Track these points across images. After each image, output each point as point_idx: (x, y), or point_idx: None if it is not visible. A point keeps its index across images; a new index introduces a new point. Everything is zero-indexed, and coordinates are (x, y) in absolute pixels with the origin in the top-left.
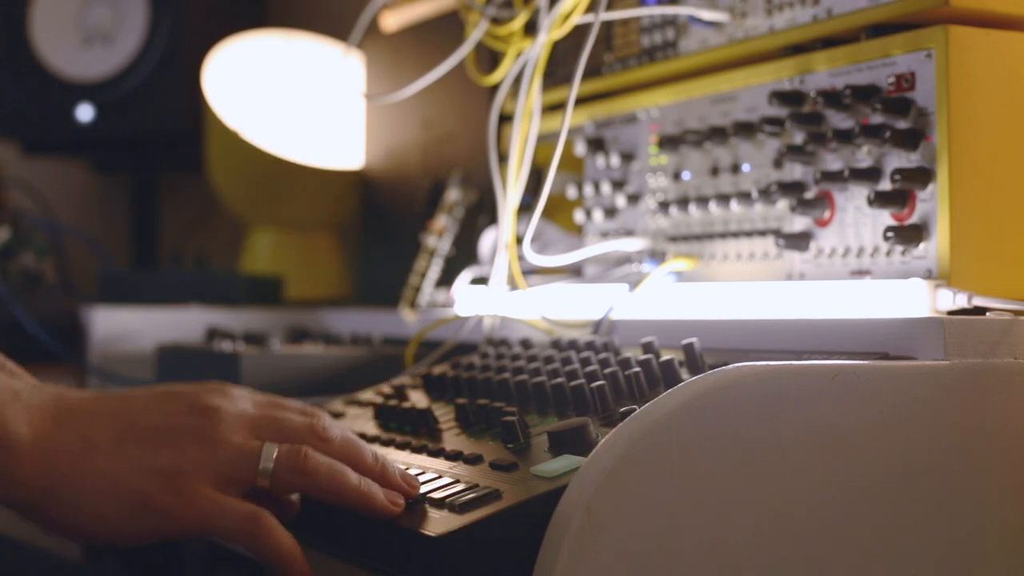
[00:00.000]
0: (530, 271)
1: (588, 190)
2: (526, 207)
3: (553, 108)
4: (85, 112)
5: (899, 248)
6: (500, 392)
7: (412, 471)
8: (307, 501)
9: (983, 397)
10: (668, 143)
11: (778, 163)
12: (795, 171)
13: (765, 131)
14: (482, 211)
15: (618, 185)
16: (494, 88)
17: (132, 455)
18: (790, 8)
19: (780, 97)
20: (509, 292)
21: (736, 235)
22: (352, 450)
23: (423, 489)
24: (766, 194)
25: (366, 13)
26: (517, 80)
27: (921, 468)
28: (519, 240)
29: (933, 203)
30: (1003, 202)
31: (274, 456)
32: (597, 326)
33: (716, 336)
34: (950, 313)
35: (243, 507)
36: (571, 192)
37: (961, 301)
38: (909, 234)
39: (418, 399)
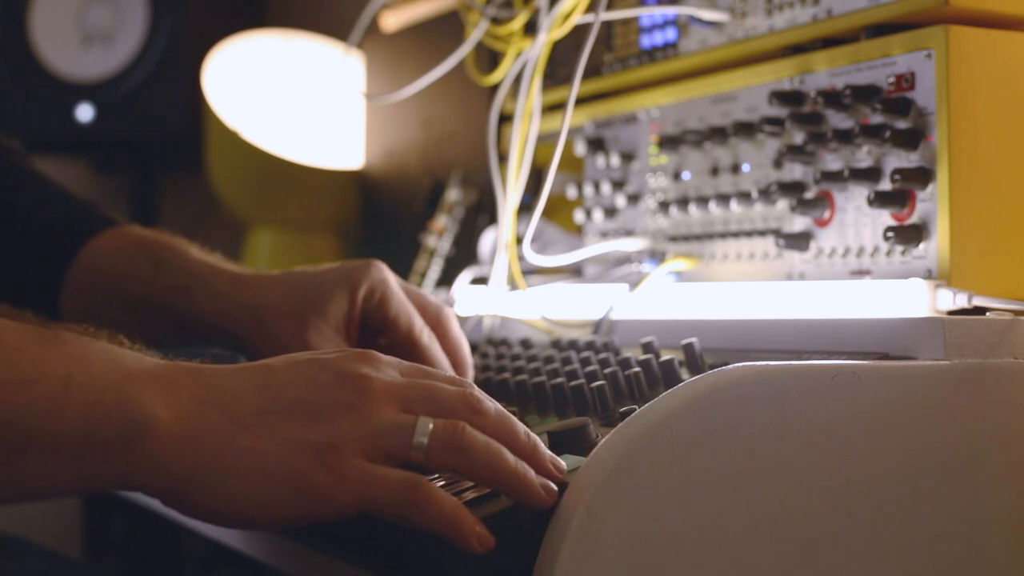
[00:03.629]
0: (530, 271)
1: (588, 190)
2: (526, 207)
3: (553, 108)
4: (85, 112)
5: (899, 248)
6: (500, 392)
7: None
8: None
9: (983, 397)
10: (668, 143)
11: (778, 163)
12: (795, 171)
13: (765, 131)
14: (482, 211)
15: (618, 185)
16: (494, 88)
17: (280, 431)
18: (790, 8)
19: (780, 97)
20: (509, 292)
21: (736, 235)
22: (506, 427)
23: None
24: (766, 194)
25: (366, 13)
26: (517, 80)
27: (921, 468)
28: (519, 240)
29: (933, 203)
30: (1003, 202)
31: (429, 431)
32: (597, 326)
33: (716, 336)
34: (950, 313)
35: (399, 475)
36: (571, 192)
37: (961, 301)
38: (909, 234)
39: None
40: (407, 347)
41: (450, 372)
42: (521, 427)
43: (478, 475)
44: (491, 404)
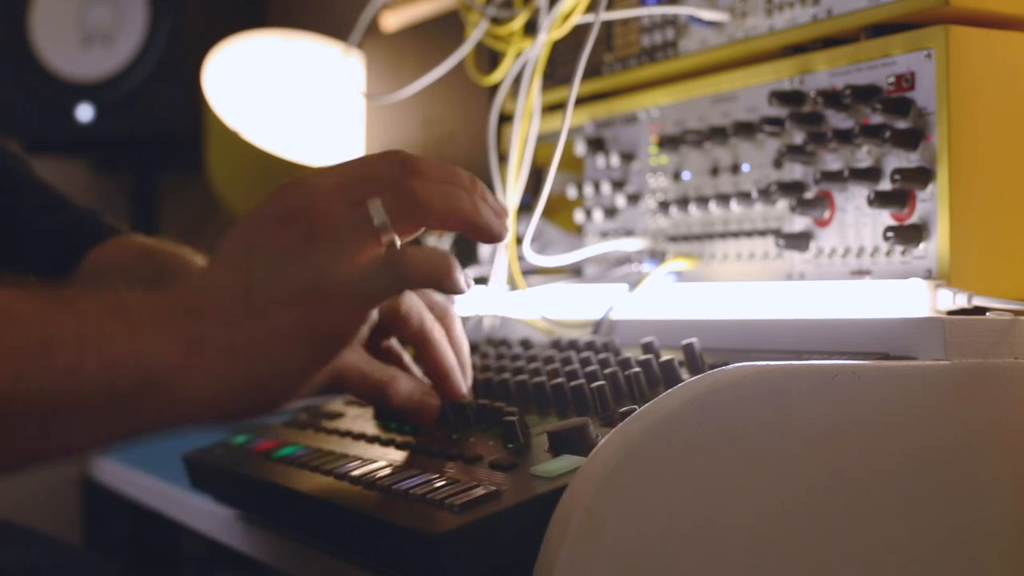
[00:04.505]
0: (530, 271)
1: (588, 190)
2: (526, 207)
3: (553, 108)
4: (85, 112)
5: (899, 248)
6: (500, 392)
7: (411, 471)
8: (307, 499)
9: (983, 397)
10: (668, 143)
11: (778, 163)
12: (795, 171)
13: (765, 131)
14: None
15: (618, 185)
16: (494, 88)
17: (266, 304)
18: (790, 8)
19: (780, 97)
20: (509, 292)
21: (736, 235)
22: (450, 173)
23: (421, 491)
24: (766, 194)
25: (366, 13)
26: (517, 80)
27: (921, 468)
28: (519, 240)
29: (933, 203)
30: (1003, 202)
31: (381, 209)
32: (597, 326)
33: (716, 336)
34: (950, 313)
35: (378, 262)
36: (571, 192)
37: (961, 301)
38: (909, 234)
39: None
40: (418, 343)
41: (456, 371)
42: (463, 172)
43: (443, 221)
44: (426, 159)
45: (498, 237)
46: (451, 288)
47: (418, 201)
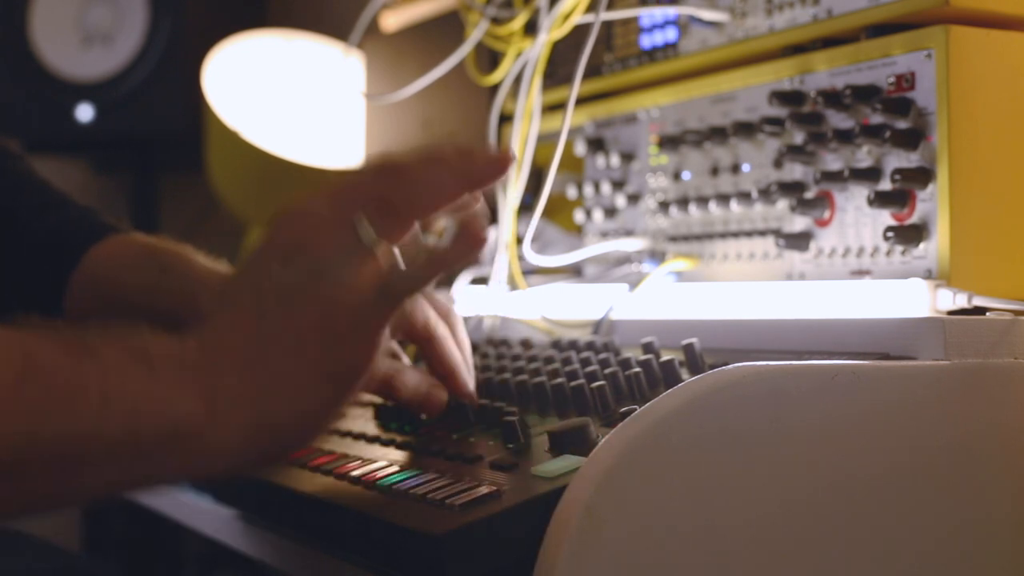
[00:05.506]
0: (530, 271)
1: (588, 190)
2: (526, 207)
3: (553, 108)
4: (85, 112)
5: (899, 248)
6: (500, 392)
7: (411, 471)
8: (308, 499)
9: (983, 397)
10: (668, 143)
11: (778, 163)
12: (795, 171)
13: (765, 131)
14: None
15: (618, 185)
16: (494, 88)
17: (280, 347)
18: (790, 8)
19: (780, 97)
20: (509, 292)
21: (736, 235)
22: (431, 162)
23: (422, 491)
24: (766, 194)
25: (366, 13)
26: (517, 80)
27: (921, 468)
28: (519, 240)
29: (933, 203)
30: (1003, 202)
31: (367, 225)
32: (597, 326)
33: (716, 336)
34: (950, 313)
35: (374, 287)
36: (571, 192)
37: (961, 301)
38: (909, 234)
39: None
40: (423, 341)
41: (462, 368)
42: (446, 149)
43: (433, 211)
44: (404, 154)
45: (491, 180)
46: (459, 264)
47: (399, 207)
